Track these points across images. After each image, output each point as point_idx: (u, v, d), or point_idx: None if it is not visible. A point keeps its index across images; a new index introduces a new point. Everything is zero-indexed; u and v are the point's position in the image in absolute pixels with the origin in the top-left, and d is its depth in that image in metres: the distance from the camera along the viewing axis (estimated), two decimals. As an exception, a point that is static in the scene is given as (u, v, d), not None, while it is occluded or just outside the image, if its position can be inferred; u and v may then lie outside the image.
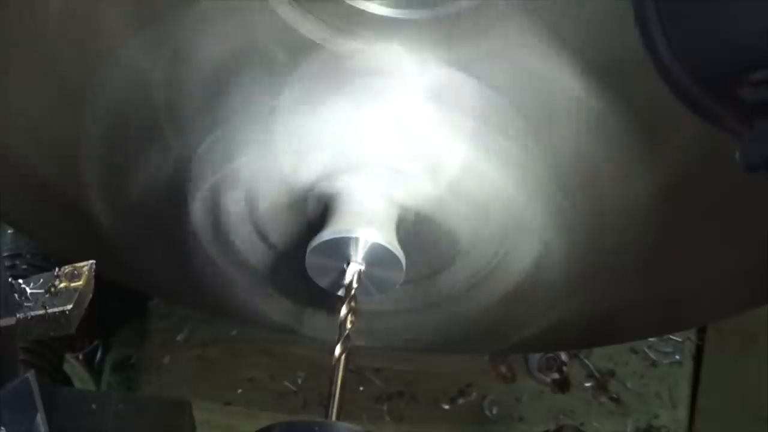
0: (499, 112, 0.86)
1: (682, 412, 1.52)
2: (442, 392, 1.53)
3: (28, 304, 0.80)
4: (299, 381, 1.50)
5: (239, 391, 1.50)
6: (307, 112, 0.87)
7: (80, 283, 0.82)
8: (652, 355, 1.55)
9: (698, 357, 1.55)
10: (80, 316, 0.82)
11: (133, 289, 1.29)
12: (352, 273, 0.87)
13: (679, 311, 1.13)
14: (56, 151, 0.99)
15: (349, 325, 0.86)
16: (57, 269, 0.83)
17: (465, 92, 0.85)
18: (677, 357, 1.55)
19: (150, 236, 1.04)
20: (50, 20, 0.86)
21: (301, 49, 0.84)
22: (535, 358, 1.54)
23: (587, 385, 1.55)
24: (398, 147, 0.88)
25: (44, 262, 1.33)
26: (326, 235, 0.87)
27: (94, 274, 0.84)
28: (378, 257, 0.87)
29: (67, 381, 1.52)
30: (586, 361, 1.55)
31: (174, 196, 0.95)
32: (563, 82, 0.83)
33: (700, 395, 1.53)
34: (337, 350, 0.85)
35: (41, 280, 0.82)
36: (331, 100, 0.86)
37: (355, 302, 0.87)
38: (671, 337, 1.55)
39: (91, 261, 0.84)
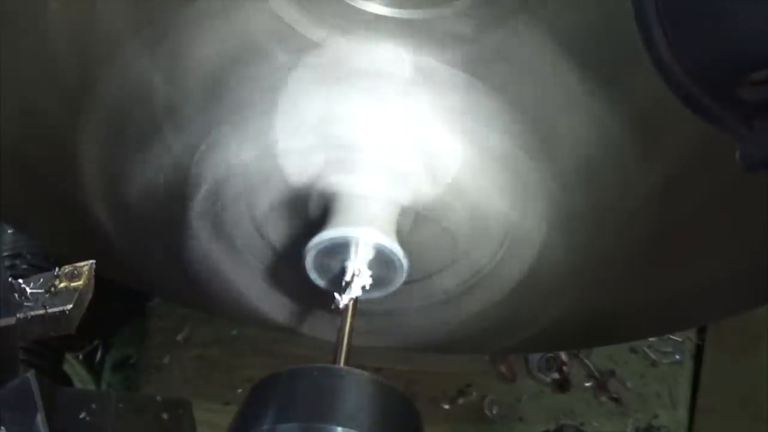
0: (498, 111, 0.86)
1: (682, 412, 1.53)
2: (442, 392, 1.53)
3: (28, 304, 0.80)
4: (299, 381, 1.50)
5: (239, 391, 1.50)
6: (307, 111, 0.87)
7: (80, 283, 0.82)
8: (652, 355, 1.55)
9: (698, 357, 1.55)
10: (80, 316, 0.82)
11: (133, 289, 1.29)
12: (351, 274, 0.87)
13: (679, 311, 1.13)
14: (56, 150, 0.99)
15: (354, 278, 0.87)
16: (57, 269, 0.83)
17: (465, 92, 0.85)
18: (677, 357, 1.55)
19: (150, 236, 1.04)
20: (49, 20, 0.86)
21: (301, 49, 0.84)
22: (535, 358, 1.54)
23: (587, 385, 1.55)
24: (398, 147, 0.88)
25: (44, 262, 1.33)
26: (326, 235, 0.87)
27: (94, 274, 0.84)
28: (378, 257, 0.87)
29: (67, 381, 1.52)
30: (586, 361, 1.55)
31: (174, 195, 0.95)
32: (563, 82, 0.83)
33: (700, 395, 1.53)
34: (344, 299, 0.86)
35: (41, 280, 0.82)
36: (331, 99, 0.86)
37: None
38: (671, 337, 1.55)
39: (91, 261, 0.84)
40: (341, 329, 0.85)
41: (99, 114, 0.93)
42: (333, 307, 0.88)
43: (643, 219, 0.94)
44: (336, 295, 0.88)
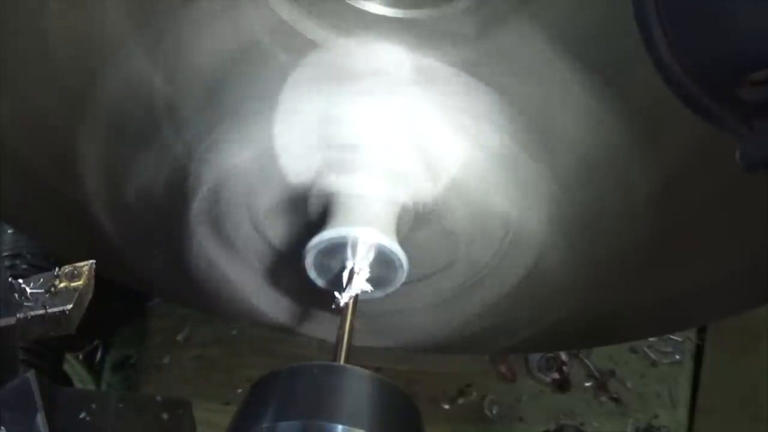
0: (498, 111, 0.86)
1: (682, 412, 1.53)
2: (442, 392, 1.53)
3: (28, 304, 0.80)
4: (299, 381, 1.50)
5: (239, 391, 1.50)
6: (307, 111, 0.87)
7: (80, 283, 0.82)
8: (652, 355, 1.55)
9: (698, 357, 1.55)
10: (80, 316, 0.82)
11: (133, 289, 1.29)
12: (351, 274, 0.88)
13: (679, 311, 1.13)
14: (56, 151, 0.99)
15: (354, 278, 0.87)
16: (57, 269, 0.83)
17: (465, 92, 0.85)
18: (677, 357, 1.55)
19: (150, 236, 1.04)
20: (50, 20, 0.86)
21: (301, 49, 0.84)
22: (535, 358, 1.54)
23: (587, 385, 1.55)
24: (398, 147, 0.88)
25: (44, 262, 1.33)
26: (326, 235, 0.87)
27: (94, 274, 0.84)
28: (378, 257, 0.87)
29: (67, 381, 1.52)
30: (586, 361, 1.55)
31: (174, 195, 0.95)
32: (563, 82, 0.83)
33: (700, 395, 1.53)
34: (345, 297, 0.86)
35: (41, 280, 0.82)
36: (331, 99, 0.86)
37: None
38: (671, 337, 1.55)
39: (91, 261, 0.84)
40: (341, 327, 0.85)
41: (99, 114, 0.93)
42: (333, 306, 0.88)
43: (644, 219, 0.94)
44: (336, 293, 0.88)
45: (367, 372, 0.79)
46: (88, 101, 0.92)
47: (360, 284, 0.88)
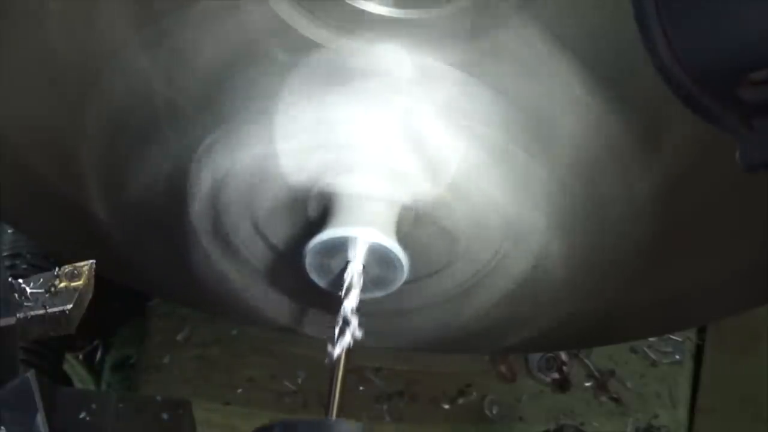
0: (498, 111, 0.86)
1: (682, 412, 1.52)
2: (442, 392, 1.53)
3: (28, 304, 0.80)
4: (299, 381, 1.50)
5: (239, 391, 1.50)
6: (307, 111, 0.87)
7: (80, 283, 0.82)
8: (652, 355, 1.55)
9: (698, 357, 1.55)
10: (80, 316, 0.82)
11: (133, 289, 1.29)
12: (351, 274, 0.87)
13: (679, 311, 1.13)
14: (56, 150, 0.99)
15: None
16: (57, 269, 0.83)
17: (465, 92, 0.85)
18: (677, 357, 1.55)
19: (150, 236, 1.04)
20: (50, 20, 0.86)
21: (301, 49, 0.84)
22: (535, 358, 1.54)
23: (587, 384, 1.54)
24: (398, 147, 0.88)
25: (44, 262, 1.33)
26: (326, 235, 0.87)
27: (94, 274, 0.84)
28: (378, 257, 0.87)
29: (67, 381, 1.52)
30: (586, 361, 1.55)
31: (174, 195, 0.95)
32: (563, 82, 0.83)
33: (700, 395, 1.53)
34: (337, 350, 0.86)
35: (41, 280, 0.82)
36: (331, 99, 0.86)
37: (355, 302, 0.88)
38: (671, 337, 1.55)
39: (91, 261, 0.84)
40: (334, 379, 0.86)
41: (99, 114, 0.93)
42: (327, 360, 0.88)
43: (644, 219, 0.94)
44: (329, 346, 0.88)
45: (360, 425, 0.81)
46: (88, 102, 0.92)
47: (360, 284, 0.88)
